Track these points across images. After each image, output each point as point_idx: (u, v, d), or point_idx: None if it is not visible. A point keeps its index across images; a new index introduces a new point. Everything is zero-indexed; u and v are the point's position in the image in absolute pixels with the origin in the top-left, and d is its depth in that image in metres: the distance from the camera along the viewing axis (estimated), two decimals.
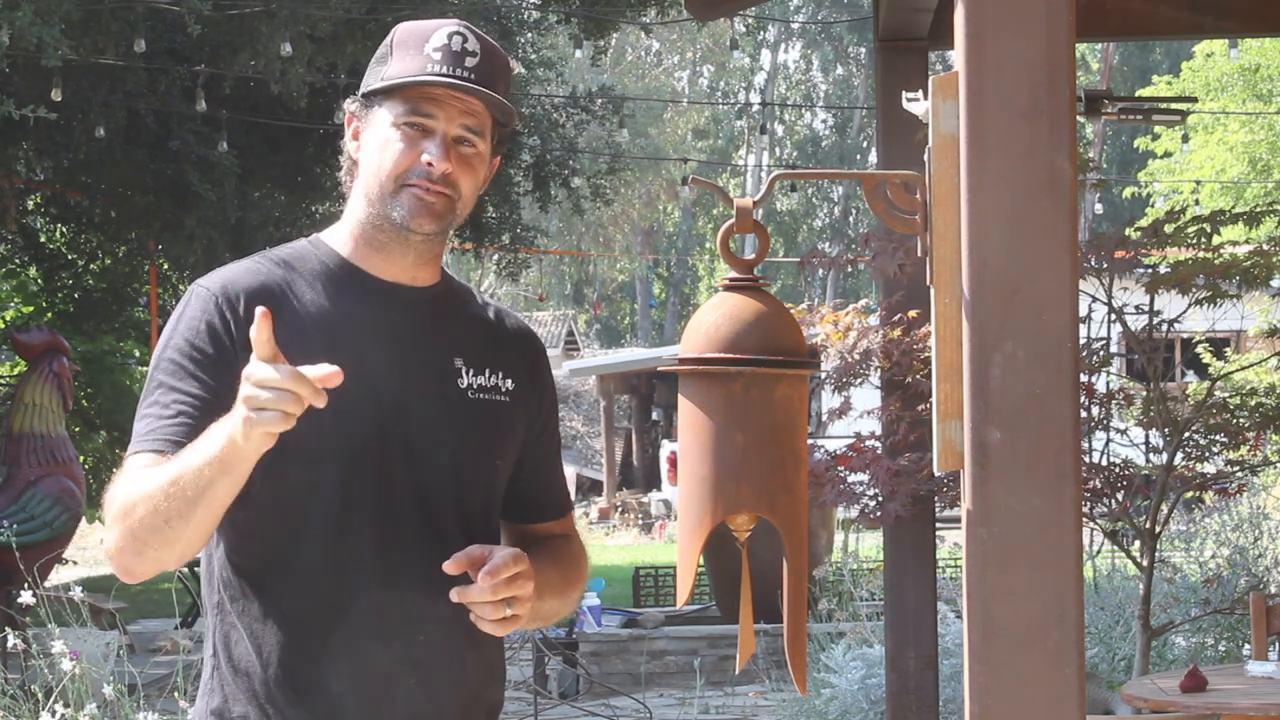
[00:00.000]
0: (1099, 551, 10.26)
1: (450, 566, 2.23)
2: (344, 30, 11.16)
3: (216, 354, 2.28)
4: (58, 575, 12.28)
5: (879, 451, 6.06)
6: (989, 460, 1.93)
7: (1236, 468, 7.03)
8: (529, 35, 14.95)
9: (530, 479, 2.51)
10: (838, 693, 7.47)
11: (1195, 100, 9.18)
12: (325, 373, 2.02)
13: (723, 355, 2.08)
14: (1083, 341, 6.52)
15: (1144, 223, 6.81)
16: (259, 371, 2.01)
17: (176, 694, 5.86)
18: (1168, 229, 6.14)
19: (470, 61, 2.34)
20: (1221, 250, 6.30)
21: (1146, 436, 6.91)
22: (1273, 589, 8.57)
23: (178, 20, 10.91)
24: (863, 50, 42.06)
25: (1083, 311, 6.56)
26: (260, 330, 2.00)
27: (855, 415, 6.44)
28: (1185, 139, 21.87)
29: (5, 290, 15.28)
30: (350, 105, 2.41)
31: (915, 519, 5.65)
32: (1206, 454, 6.57)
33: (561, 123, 15.15)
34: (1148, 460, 6.98)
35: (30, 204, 14.56)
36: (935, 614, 5.62)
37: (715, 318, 2.10)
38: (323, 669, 2.30)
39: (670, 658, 10.55)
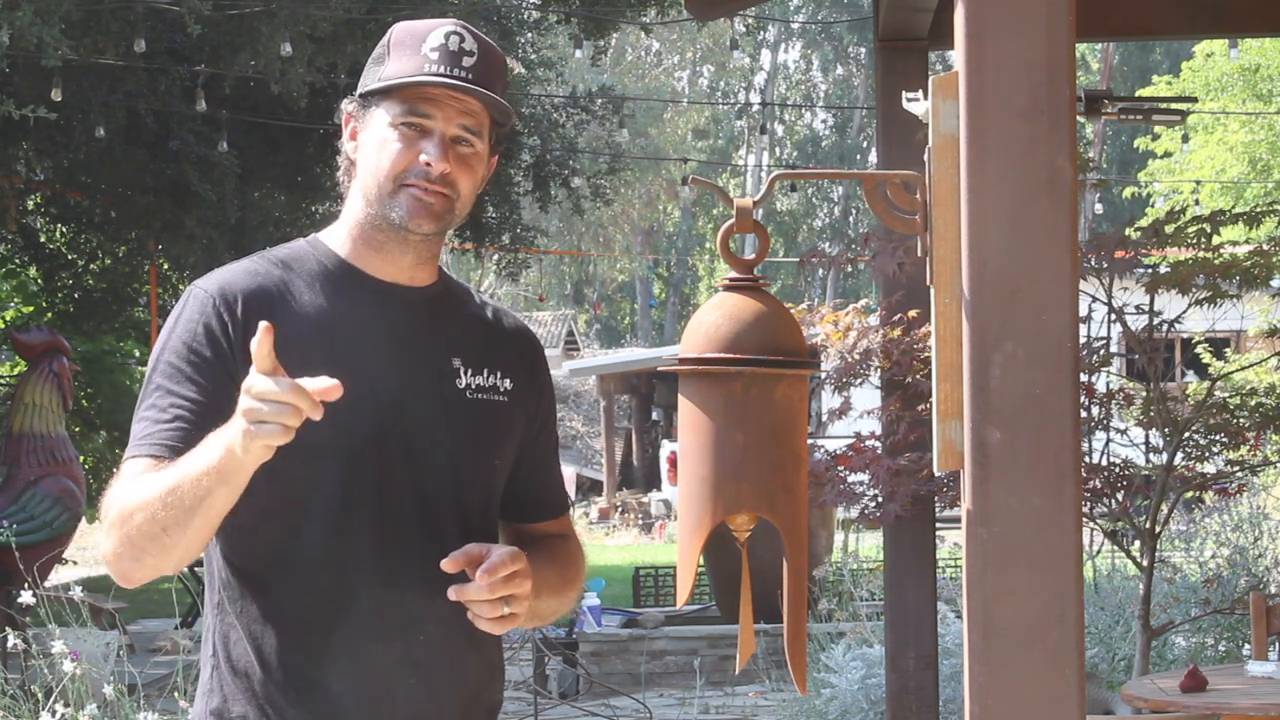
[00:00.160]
0: (1099, 551, 10.26)
1: (448, 564, 2.23)
2: (344, 30, 11.16)
3: (214, 357, 2.28)
4: (58, 575, 12.28)
5: (879, 451, 6.06)
6: (989, 460, 1.93)
7: (1236, 468, 7.03)
8: (529, 35, 14.96)
9: (528, 478, 2.51)
10: (838, 693, 7.47)
11: (1195, 100, 9.18)
12: (324, 386, 2.01)
13: (723, 355, 2.08)
14: (1083, 341, 6.52)
15: (1144, 223, 6.81)
16: (259, 385, 2.00)
17: (176, 694, 5.85)
18: (1168, 229, 6.14)
19: (467, 61, 2.34)
20: (1221, 250, 6.30)
21: (1146, 436, 6.90)
22: (1273, 589, 8.57)
23: (178, 20, 10.91)
24: (863, 50, 42.06)
25: (1083, 311, 6.56)
26: (261, 344, 2.00)
27: (855, 415, 6.43)
28: (1185, 139, 21.87)
29: (5, 290, 15.28)
30: (348, 105, 2.41)
31: (915, 519, 5.65)
32: (1206, 454, 6.57)
33: (561, 123, 15.15)
34: (1148, 460, 6.98)
35: (30, 204, 14.56)
36: (935, 614, 5.62)
37: (715, 318, 2.10)
38: (323, 669, 2.30)
39: (670, 658, 10.55)
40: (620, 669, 10.43)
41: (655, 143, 37.75)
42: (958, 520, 3.09)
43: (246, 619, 2.32)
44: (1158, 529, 6.37)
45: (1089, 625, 8.04)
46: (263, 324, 2.01)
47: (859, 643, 8.11)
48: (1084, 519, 4.09)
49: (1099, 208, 26.84)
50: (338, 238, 2.42)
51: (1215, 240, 6.29)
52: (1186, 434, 6.43)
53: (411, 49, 2.34)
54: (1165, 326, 6.47)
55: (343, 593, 2.30)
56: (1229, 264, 6.12)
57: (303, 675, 2.30)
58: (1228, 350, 15.16)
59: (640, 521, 24.57)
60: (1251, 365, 9.21)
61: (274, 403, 1.99)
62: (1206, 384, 6.69)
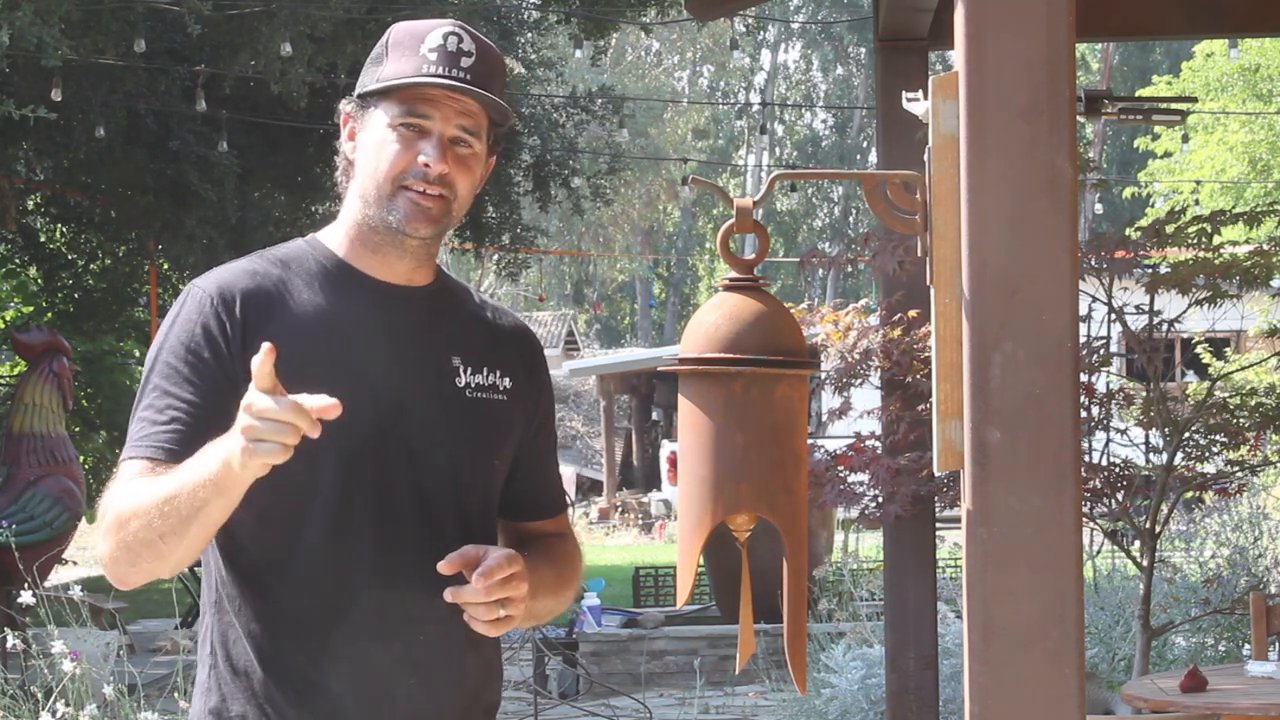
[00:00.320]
0: (1099, 551, 10.26)
1: (445, 566, 2.23)
2: (344, 30, 11.16)
3: (212, 357, 2.28)
4: (57, 575, 12.27)
5: (879, 451, 6.06)
6: (989, 460, 1.93)
7: (1236, 468, 7.03)
8: (529, 35, 14.96)
9: (526, 478, 2.51)
10: (838, 693, 7.47)
11: (1195, 100, 9.18)
12: (324, 404, 2.01)
13: (723, 355, 2.08)
14: (1083, 341, 6.52)
15: (1144, 223, 6.81)
16: (259, 403, 2.00)
17: (176, 694, 5.85)
18: (1168, 229, 6.14)
19: (466, 62, 2.33)
20: (1221, 250, 6.30)
21: (1146, 436, 6.90)
22: (1273, 589, 8.57)
23: (178, 20, 10.91)
24: (863, 50, 42.06)
25: (1083, 311, 6.56)
26: (263, 364, 1.99)
27: (855, 415, 6.43)
28: (1185, 139, 21.86)
29: (5, 290, 15.28)
30: (346, 106, 2.40)
31: (915, 519, 5.65)
32: (1206, 454, 6.57)
33: (561, 123, 15.15)
34: (1148, 460, 6.97)
35: (30, 204, 14.56)
36: (935, 614, 5.62)
37: (715, 318, 2.10)
38: (322, 668, 2.30)
39: (670, 658, 10.55)
40: (620, 669, 10.43)
41: (655, 143, 37.75)
42: (958, 520, 3.09)
43: (245, 618, 2.31)
44: (1158, 529, 6.37)
45: (1089, 625, 8.04)
46: (265, 344, 2.01)
47: (859, 643, 8.11)
48: (1084, 519, 4.09)
49: (1099, 208, 26.85)
50: (336, 238, 2.41)
51: (1215, 240, 6.29)
52: (1186, 434, 6.43)
53: (410, 49, 2.34)
54: (1165, 326, 6.47)
55: (342, 592, 2.30)
56: (1229, 264, 6.12)
57: (302, 675, 2.30)
58: (1228, 350, 15.15)
59: (640, 521, 24.57)
60: (1251, 365, 9.20)
61: (273, 422, 1.99)
62: (1206, 384, 6.69)
